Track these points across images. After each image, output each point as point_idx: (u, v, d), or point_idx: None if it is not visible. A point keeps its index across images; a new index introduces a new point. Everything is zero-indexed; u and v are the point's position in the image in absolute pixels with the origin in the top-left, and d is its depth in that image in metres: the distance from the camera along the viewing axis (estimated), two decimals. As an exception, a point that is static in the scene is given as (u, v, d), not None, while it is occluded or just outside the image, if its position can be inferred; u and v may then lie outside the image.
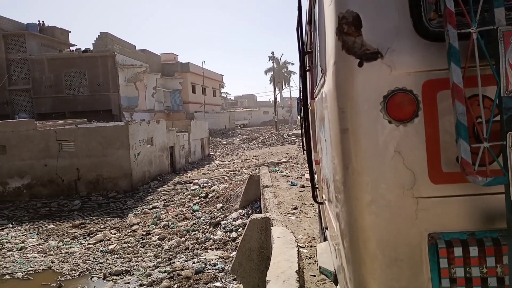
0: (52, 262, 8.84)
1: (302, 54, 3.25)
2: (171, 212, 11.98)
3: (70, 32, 33.02)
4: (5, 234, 11.27)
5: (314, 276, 4.43)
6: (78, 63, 27.44)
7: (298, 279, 3.87)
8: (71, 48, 30.90)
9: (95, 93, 27.44)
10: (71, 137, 16.07)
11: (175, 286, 7.16)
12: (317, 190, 3.77)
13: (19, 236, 11.08)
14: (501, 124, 1.36)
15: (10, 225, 12.20)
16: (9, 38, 27.30)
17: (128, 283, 7.59)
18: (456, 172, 1.49)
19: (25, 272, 8.39)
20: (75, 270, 8.34)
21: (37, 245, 10.20)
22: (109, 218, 12.27)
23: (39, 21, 29.70)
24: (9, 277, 8.25)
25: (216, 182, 15.00)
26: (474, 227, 1.50)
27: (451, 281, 1.49)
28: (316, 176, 3.74)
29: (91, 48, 28.17)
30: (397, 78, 1.52)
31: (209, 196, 12.91)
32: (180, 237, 9.81)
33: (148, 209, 12.65)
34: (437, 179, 1.51)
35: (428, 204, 1.52)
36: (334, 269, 3.02)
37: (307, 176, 10.64)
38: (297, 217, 6.73)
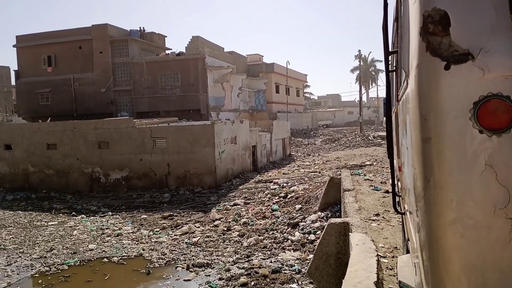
0: (143, 250, 9.62)
1: (386, 54, 3.07)
2: (251, 210, 12.25)
3: (166, 36, 35.70)
4: (105, 221, 12.59)
5: (395, 289, 4.16)
6: (172, 66, 29.52)
7: (376, 291, 3.67)
8: (167, 51, 33.38)
9: (186, 94, 29.27)
10: (164, 134, 17.34)
11: (252, 283, 7.28)
12: (400, 198, 3.53)
13: (116, 223, 12.29)
14: None
15: (110, 213, 13.60)
16: (115, 44, 30.43)
17: (209, 275, 7.93)
18: None
19: (120, 257, 9.26)
20: (162, 259, 8.97)
21: (131, 232, 11.21)
22: (194, 212, 12.98)
23: (140, 27, 32.61)
24: (107, 260, 9.18)
25: (296, 183, 14.97)
26: None
27: (554, 318, 1.28)
28: (399, 184, 3.51)
29: (184, 51, 30.07)
30: (492, 82, 1.35)
31: (288, 196, 12.93)
32: (259, 235, 9.97)
33: (230, 206, 13.09)
34: None
35: None
36: (415, 285, 2.81)
37: (392, 181, 10.08)
38: (378, 224, 6.41)
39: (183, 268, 8.41)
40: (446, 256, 1.43)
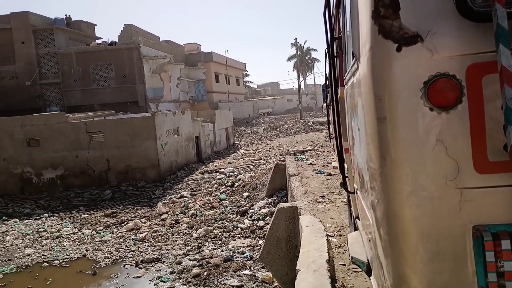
0: (87, 250, 9.15)
1: (331, 40, 3.15)
2: (198, 201, 12.14)
3: (96, 25, 33.69)
4: (42, 223, 11.76)
5: (345, 265, 4.38)
6: (105, 56, 27.97)
7: (328, 268, 3.83)
8: (98, 41, 31.51)
9: (121, 85, 27.96)
10: (101, 129, 16.48)
11: (205, 273, 7.26)
12: (347, 179, 3.69)
13: (54, 225, 11.54)
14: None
15: (46, 215, 12.72)
16: (38, 33, 28.07)
17: (160, 270, 7.77)
18: (504, 161, 1.40)
19: (62, 260, 8.73)
20: (108, 258, 8.61)
21: (72, 233, 10.60)
22: (139, 207, 12.58)
23: (66, 15, 30.41)
24: (47, 264, 8.61)
25: (242, 171, 15.08)
26: None
27: (498, 275, 1.42)
28: (346, 165, 3.66)
29: (117, 40, 28.62)
30: (439, 62, 1.43)
31: (235, 185, 13.00)
32: (208, 226, 9.93)
33: (176, 198, 12.87)
34: (482, 169, 1.43)
35: (473, 195, 1.44)
36: (367, 260, 2.97)
37: (334, 164, 10.50)
38: (325, 205, 6.67)
39: (131, 265, 8.14)
40: (405, 228, 1.52)
